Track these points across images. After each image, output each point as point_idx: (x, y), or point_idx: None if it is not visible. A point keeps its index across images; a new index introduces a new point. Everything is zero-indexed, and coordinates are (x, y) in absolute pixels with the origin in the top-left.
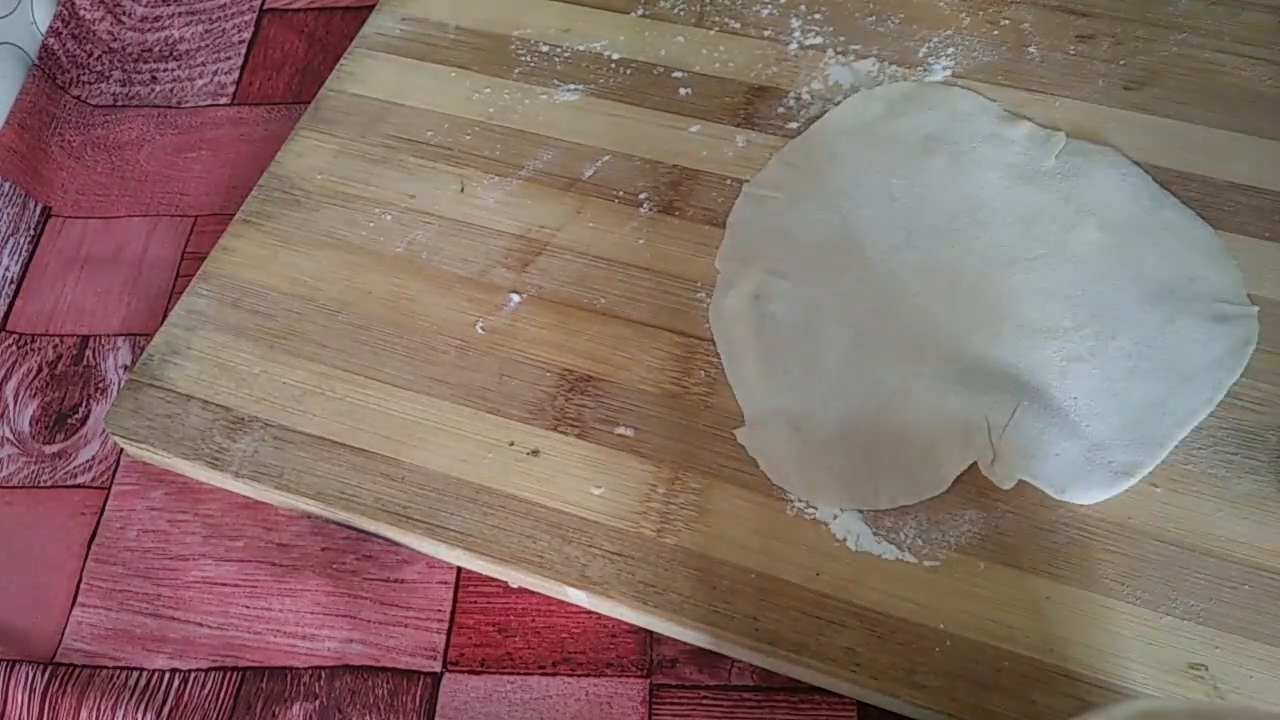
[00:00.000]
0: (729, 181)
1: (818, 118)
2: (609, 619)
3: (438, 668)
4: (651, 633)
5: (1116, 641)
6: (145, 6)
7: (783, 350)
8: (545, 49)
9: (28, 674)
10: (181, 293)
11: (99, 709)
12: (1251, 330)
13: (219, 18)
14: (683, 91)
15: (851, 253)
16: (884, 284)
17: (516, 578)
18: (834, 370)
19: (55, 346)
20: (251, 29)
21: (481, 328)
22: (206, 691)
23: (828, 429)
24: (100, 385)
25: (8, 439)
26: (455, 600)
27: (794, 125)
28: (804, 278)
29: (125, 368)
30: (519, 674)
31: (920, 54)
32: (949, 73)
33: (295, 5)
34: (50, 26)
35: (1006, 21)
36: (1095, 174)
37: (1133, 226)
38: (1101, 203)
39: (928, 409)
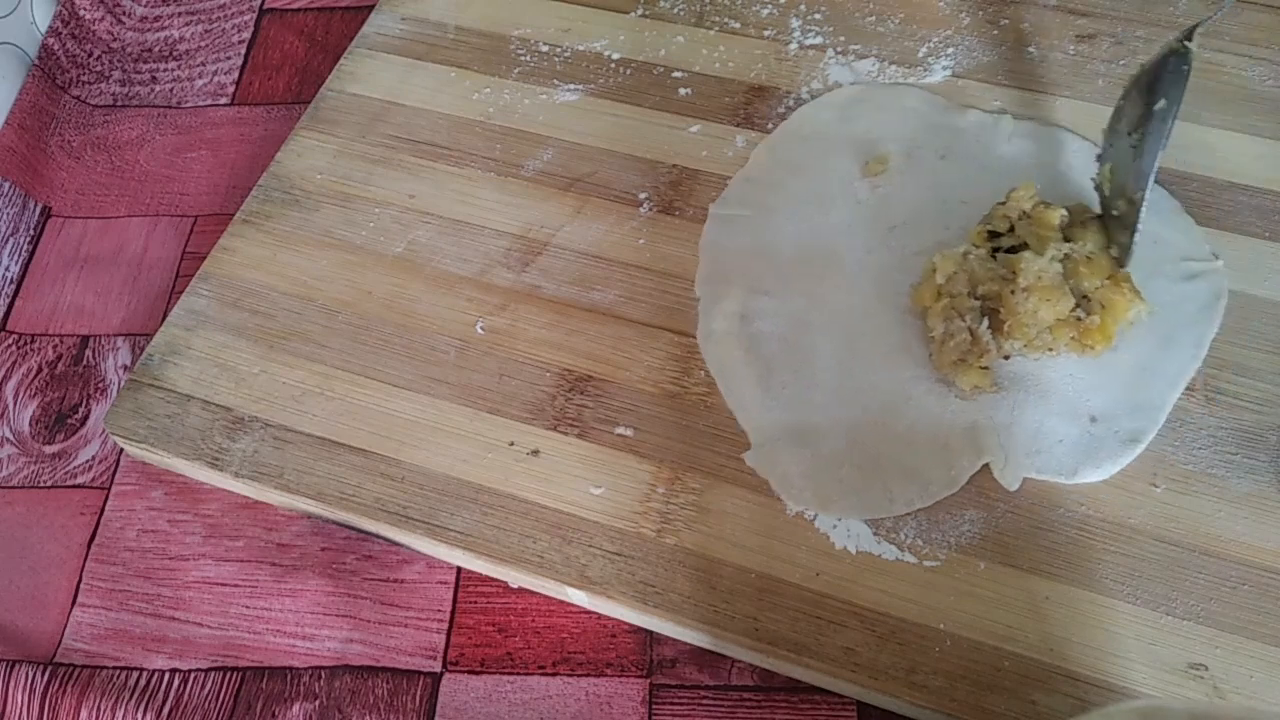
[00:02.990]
0: (729, 181)
1: None
2: (609, 619)
3: (437, 668)
4: (651, 633)
5: (1116, 641)
6: (145, 6)
7: (776, 367)
8: (545, 49)
9: (28, 674)
10: (181, 293)
11: (99, 709)
12: (1221, 284)
13: (219, 18)
14: (682, 91)
15: (828, 260)
16: (865, 287)
17: (516, 578)
18: (830, 380)
19: (55, 346)
20: (251, 29)
21: (481, 328)
22: (206, 691)
23: (834, 439)
24: (100, 385)
25: (8, 439)
26: (455, 600)
27: None
28: (786, 291)
29: (125, 368)
30: (519, 674)
31: (920, 54)
32: (949, 73)
33: (295, 5)
34: (50, 26)
35: (1006, 21)
36: (1043, 153)
37: (1092, 200)
38: (1058, 179)
39: (930, 410)
